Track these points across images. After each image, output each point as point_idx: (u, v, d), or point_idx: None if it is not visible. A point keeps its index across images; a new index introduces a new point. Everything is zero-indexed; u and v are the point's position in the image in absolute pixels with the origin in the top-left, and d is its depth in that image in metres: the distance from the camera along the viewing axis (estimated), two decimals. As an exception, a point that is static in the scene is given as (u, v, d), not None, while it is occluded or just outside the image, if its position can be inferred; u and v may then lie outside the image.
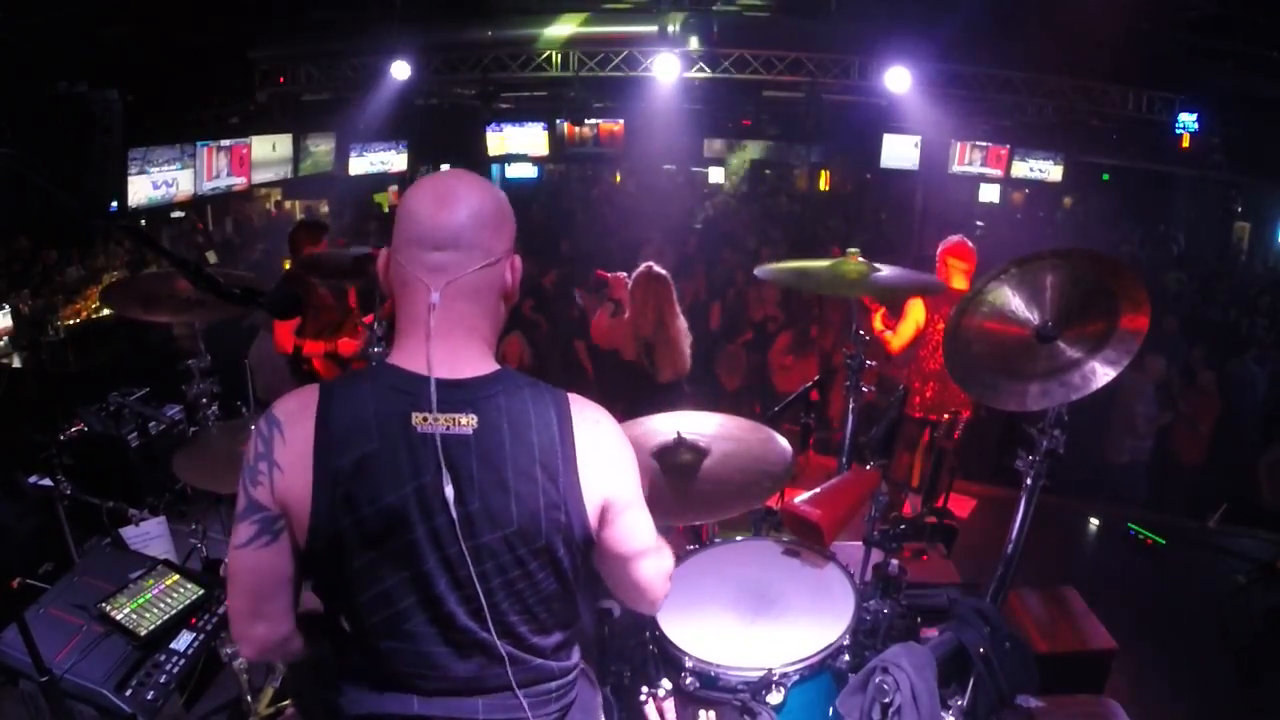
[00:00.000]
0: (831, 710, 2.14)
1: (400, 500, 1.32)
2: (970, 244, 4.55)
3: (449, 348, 1.38)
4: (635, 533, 1.50)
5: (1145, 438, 6.02)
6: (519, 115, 14.69)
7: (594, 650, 2.35)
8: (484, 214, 1.39)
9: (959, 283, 4.36)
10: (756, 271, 3.32)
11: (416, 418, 1.33)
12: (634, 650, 2.36)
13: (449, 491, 1.32)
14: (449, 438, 1.33)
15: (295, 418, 1.35)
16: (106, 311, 7.22)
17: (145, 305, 3.04)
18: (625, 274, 4.28)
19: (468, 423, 1.34)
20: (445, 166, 15.74)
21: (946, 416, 4.38)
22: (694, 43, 10.37)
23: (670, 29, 10.13)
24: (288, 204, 13.28)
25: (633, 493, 1.49)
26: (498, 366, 1.43)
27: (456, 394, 1.35)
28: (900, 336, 4.51)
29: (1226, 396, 6.44)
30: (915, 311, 4.48)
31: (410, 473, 1.32)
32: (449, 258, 1.37)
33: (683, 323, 4.23)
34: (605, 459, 1.44)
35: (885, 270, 3.21)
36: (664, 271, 4.21)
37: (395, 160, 13.58)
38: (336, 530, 1.32)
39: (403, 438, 1.32)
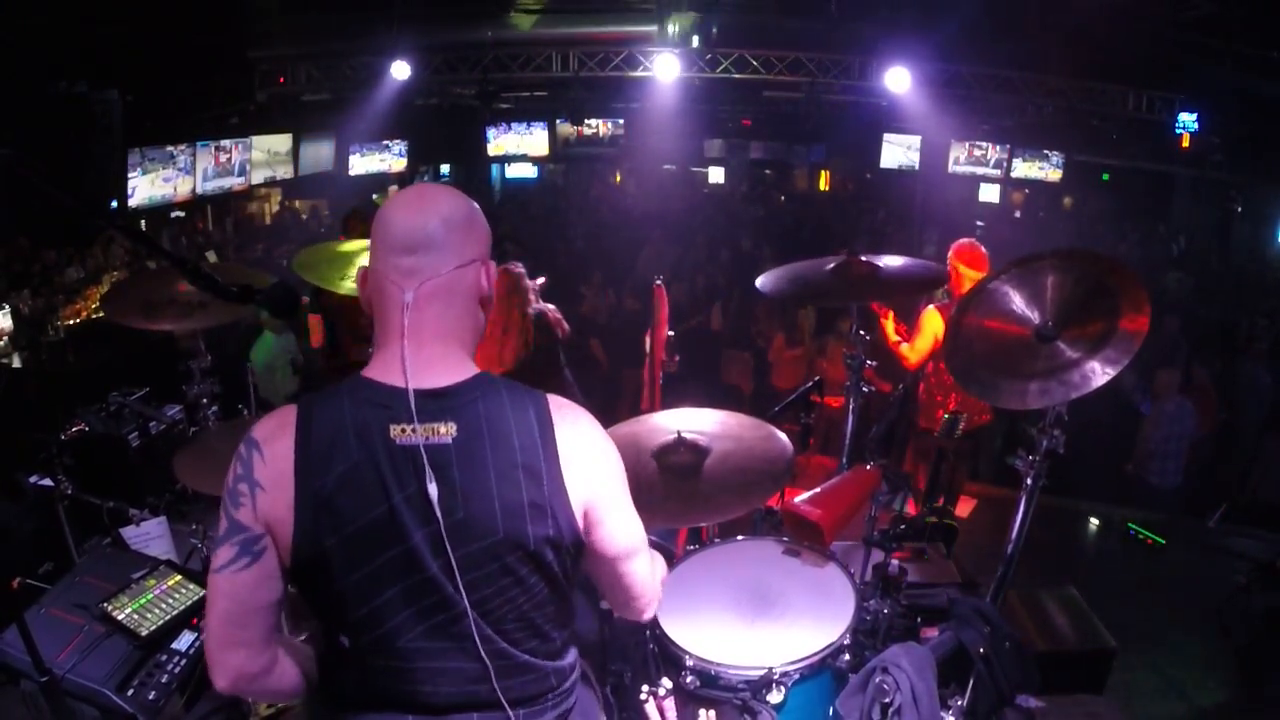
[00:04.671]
0: (831, 710, 2.15)
1: (383, 516, 1.30)
2: (981, 247, 4.35)
3: (425, 356, 1.37)
4: (621, 533, 1.48)
5: (1178, 456, 5.76)
6: (519, 115, 14.70)
7: (594, 650, 2.35)
8: (455, 218, 1.40)
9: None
10: (758, 284, 3.26)
11: (395, 430, 1.32)
12: (634, 649, 2.36)
13: (434, 500, 1.30)
14: (429, 448, 1.32)
15: (274, 437, 1.33)
16: (105, 316, 7.22)
17: (146, 313, 3.02)
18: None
19: (447, 431, 1.33)
20: (445, 167, 15.81)
21: (943, 414, 4.33)
22: (694, 42, 10.38)
23: (670, 29, 10.14)
24: (288, 204, 13.29)
25: (618, 491, 1.48)
26: (475, 371, 1.41)
27: (434, 403, 1.34)
28: (917, 350, 4.33)
29: (1233, 399, 6.42)
30: (933, 323, 4.30)
31: (393, 487, 1.30)
32: (421, 260, 1.36)
33: (522, 307, 4.21)
34: (587, 458, 1.42)
35: (889, 263, 3.20)
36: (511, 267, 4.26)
37: (395, 160, 13.59)
38: (321, 549, 1.30)
39: (383, 451, 1.31)
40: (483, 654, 1.37)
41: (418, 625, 1.35)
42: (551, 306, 4.38)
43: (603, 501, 1.44)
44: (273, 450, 1.32)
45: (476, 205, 1.45)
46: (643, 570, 1.55)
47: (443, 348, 1.39)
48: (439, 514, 1.31)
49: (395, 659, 1.36)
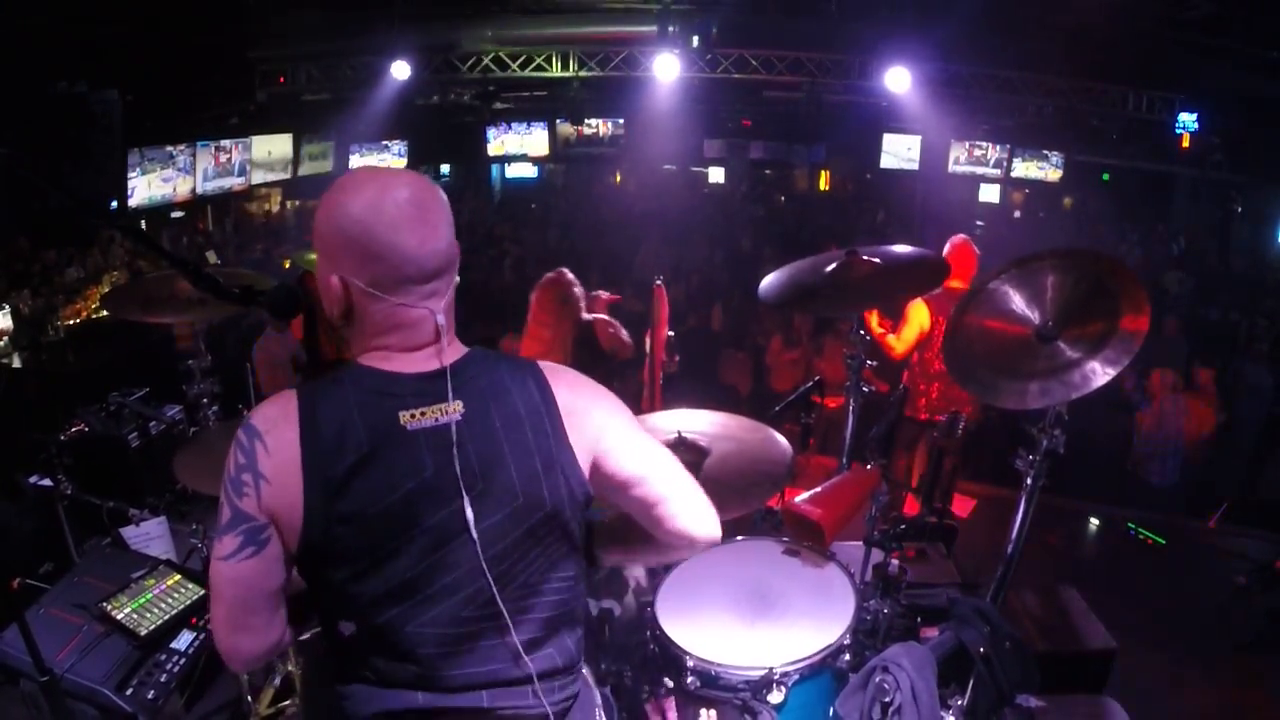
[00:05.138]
0: (832, 710, 2.15)
1: (399, 501, 1.30)
2: (973, 246, 4.49)
3: (436, 349, 1.39)
4: (636, 455, 1.47)
5: (1175, 455, 5.79)
6: (519, 115, 14.70)
7: (593, 650, 2.35)
8: (450, 222, 1.38)
9: (959, 283, 4.33)
10: (760, 294, 3.26)
11: (404, 416, 1.32)
12: (635, 649, 2.36)
13: (455, 483, 1.32)
14: (438, 430, 1.33)
15: (276, 426, 1.31)
16: (106, 311, 7.23)
17: (145, 307, 3.05)
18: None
19: (455, 409, 1.35)
20: (445, 167, 15.81)
21: (945, 415, 4.35)
22: (694, 42, 10.37)
23: (670, 29, 10.13)
24: (288, 204, 13.29)
25: (622, 422, 1.48)
26: (467, 349, 1.43)
27: (438, 385, 1.36)
28: (904, 341, 4.41)
29: (1234, 400, 6.42)
30: (918, 314, 4.40)
31: (407, 472, 1.31)
32: (440, 283, 1.37)
33: (573, 318, 4.05)
34: (584, 407, 1.45)
35: (891, 256, 3.19)
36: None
37: (395, 160, 13.60)
38: (332, 538, 1.30)
39: (394, 438, 1.31)
40: (511, 626, 1.38)
41: (437, 606, 1.35)
42: (606, 318, 4.11)
43: (606, 437, 1.45)
44: (276, 440, 1.30)
45: (432, 182, 1.41)
46: (678, 486, 1.51)
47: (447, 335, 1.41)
48: (461, 492, 1.32)
49: (407, 643, 1.36)
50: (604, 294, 4.20)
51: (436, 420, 1.33)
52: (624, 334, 4.10)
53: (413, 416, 1.33)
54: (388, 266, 1.31)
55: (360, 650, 1.38)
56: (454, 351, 1.41)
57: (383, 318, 1.35)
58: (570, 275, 4.06)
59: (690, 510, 1.51)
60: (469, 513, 1.33)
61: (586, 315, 4.03)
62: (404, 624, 1.35)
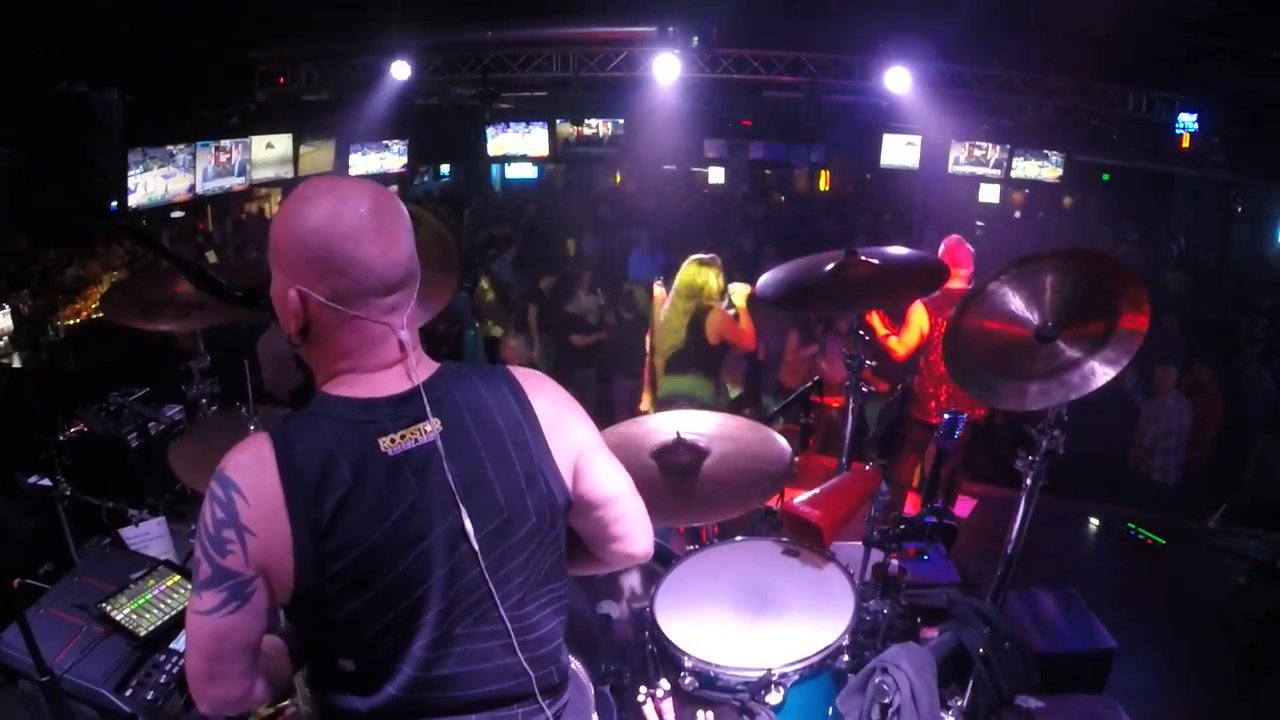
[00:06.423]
0: (831, 710, 2.15)
1: (390, 531, 1.28)
2: (967, 245, 4.53)
3: (405, 367, 1.35)
4: (607, 476, 1.50)
5: (1177, 453, 5.85)
6: (519, 115, 14.70)
7: (592, 650, 2.35)
8: (411, 232, 1.34)
9: (956, 283, 4.34)
10: (758, 291, 3.28)
11: (384, 441, 1.29)
12: (633, 650, 2.36)
13: (447, 499, 1.30)
14: (418, 451, 1.31)
15: (252, 473, 1.26)
16: (104, 316, 7.23)
17: (144, 313, 3.04)
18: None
19: (432, 429, 1.32)
20: (445, 167, 15.79)
21: (945, 416, 4.36)
22: (694, 43, 10.37)
23: (670, 29, 10.13)
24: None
25: (593, 438, 1.50)
26: (436, 364, 1.40)
27: (413, 405, 1.32)
28: (904, 344, 4.43)
29: (1235, 398, 6.42)
30: (918, 317, 4.42)
31: (393, 500, 1.28)
32: (402, 296, 1.33)
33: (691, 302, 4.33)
34: (561, 417, 1.45)
35: (890, 257, 3.19)
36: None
37: (395, 160, 13.61)
38: (324, 580, 1.26)
39: (376, 468, 1.28)
40: (516, 643, 1.37)
41: (437, 630, 1.32)
42: (724, 313, 4.25)
43: (584, 450, 1.46)
44: (254, 488, 1.25)
45: (392, 191, 1.40)
46: (635, 508, 1.55)
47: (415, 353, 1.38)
48: (441, 516, 1.30)
49: (410, 669, 1.33)
50: (744, 286, 4.31)
51: (416, 441, 1.31)
52: (740, 330, 4.30)
53: (392, 441, 1.29)
54: (349, 279, 1.27)
55: (360, 683, 1.34)
56: (425, 368, 1.37)
57: (344, 334, 1.32)
58: (707, 260, 4.30)
59: (639, 536, 1.56)
60: (468, 525, 1.31)
61: (712, 303, 4.24)
62: (407, 650, 1.32)
